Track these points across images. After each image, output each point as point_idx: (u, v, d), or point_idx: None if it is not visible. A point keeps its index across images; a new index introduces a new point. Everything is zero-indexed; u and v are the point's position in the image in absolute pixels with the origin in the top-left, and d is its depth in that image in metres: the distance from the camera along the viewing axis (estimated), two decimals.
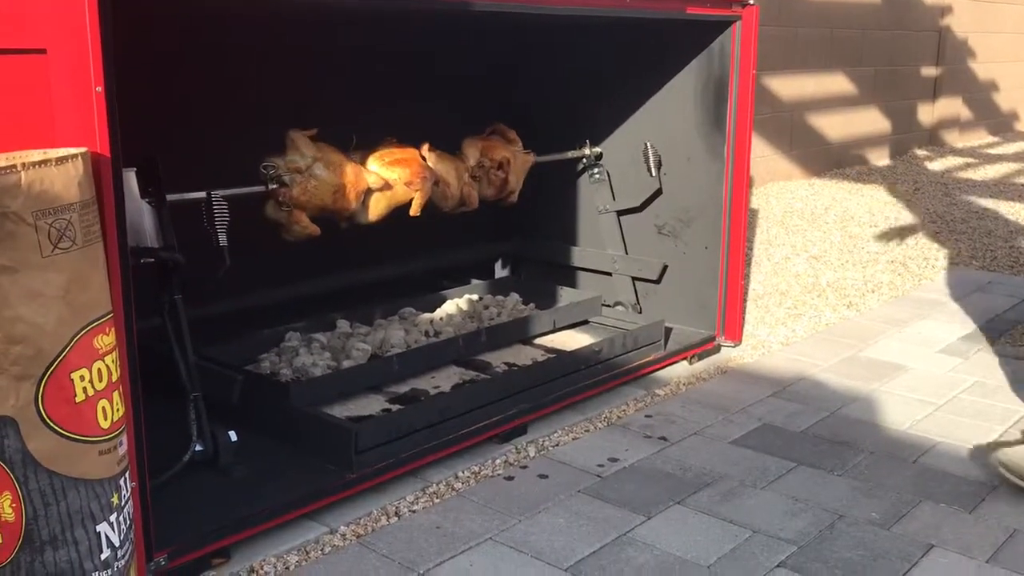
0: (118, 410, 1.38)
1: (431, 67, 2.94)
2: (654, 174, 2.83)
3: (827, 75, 5.92)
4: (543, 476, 2.07)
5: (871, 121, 6.57)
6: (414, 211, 2.39)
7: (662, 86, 2.85)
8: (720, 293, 2.83)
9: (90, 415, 1.32)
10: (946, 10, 7.10)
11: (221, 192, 1.95)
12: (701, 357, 2.83)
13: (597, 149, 2.96)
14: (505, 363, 2.49)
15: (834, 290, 3.67)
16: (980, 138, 7.96)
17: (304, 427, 2.03)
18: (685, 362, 2.78)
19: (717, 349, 2.88)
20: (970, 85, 7.69)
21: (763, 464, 2.16)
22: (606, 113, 2.97)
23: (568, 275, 3.16)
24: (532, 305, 2.86)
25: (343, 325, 2.56)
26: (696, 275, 2.86)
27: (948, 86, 7.28)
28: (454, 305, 2.78)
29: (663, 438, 2.29)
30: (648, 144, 2.82)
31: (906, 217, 4.97)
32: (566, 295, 2.94)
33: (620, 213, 2.97)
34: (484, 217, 3.02)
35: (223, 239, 1.93)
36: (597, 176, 2.97)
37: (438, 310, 2.76)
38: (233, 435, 1.96)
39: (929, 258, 4.16)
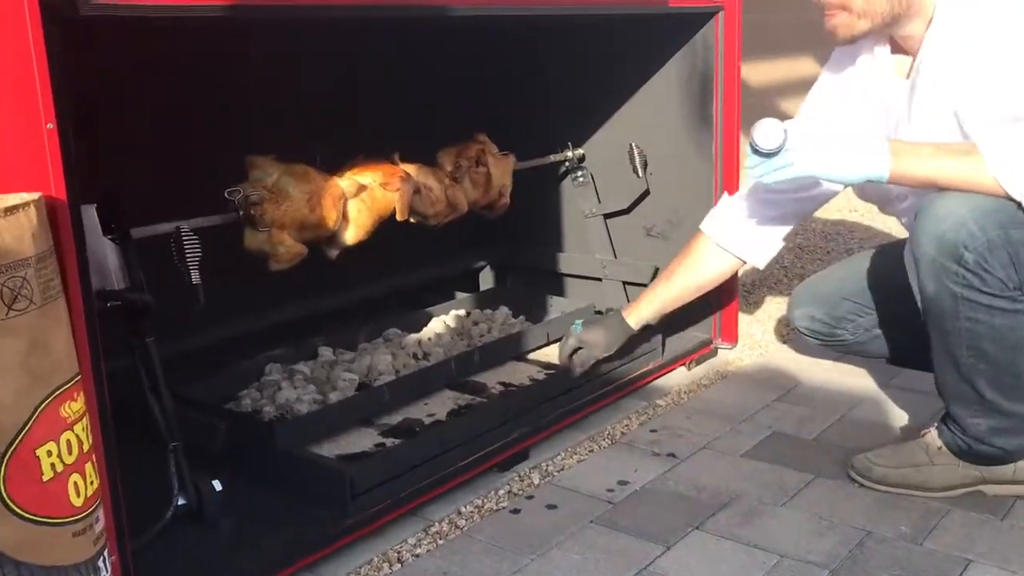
0: (92, 483, 1.24)
1: (401, 78, 2.80)
2: (640, 175, 2.72)
3: (796, 60, 5.84)
4: (551, 506, 1.95)
5: None
6: (400, 215, 2.25)
7: (644, 83, 2.73)
8: (714, 293, 2.72)
9: (61, 494, 1.19)
10: None
11: (189, 223, 1.80)
12: (699, 362, 2.73)
13: (580, 151, 2.85)
14: (501, 383, 2.36)
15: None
16: None
17: (293, 471, 1.90)
18: (683, 368, 2.68)
19: (714, 352, 2.78)
20: None
21: (780, 478, 2.05)
22: (587, 114, 2.85)
23: (556, 282, 3.04)
24: (522, 318, 2.74)
25: (326, 353, 2.42)
26: None
27: None
28: (441, 323, 2.65)
29: (672, 454, 2.18)
30: (633, 144, 2.71)
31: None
32: (556, 304, 2.82)
33: (607, 216, 2.86)
34: (466, 227, 2.89)
35: (196, 276, 1.78)
36: (581, 179, 2.85)
37: (425, 329, 2.63)
38: (218, 484, 1.82)
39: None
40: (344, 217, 2.14)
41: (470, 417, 2.10)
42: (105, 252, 1.76)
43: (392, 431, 2.10)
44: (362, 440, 2.08)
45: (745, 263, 2.36)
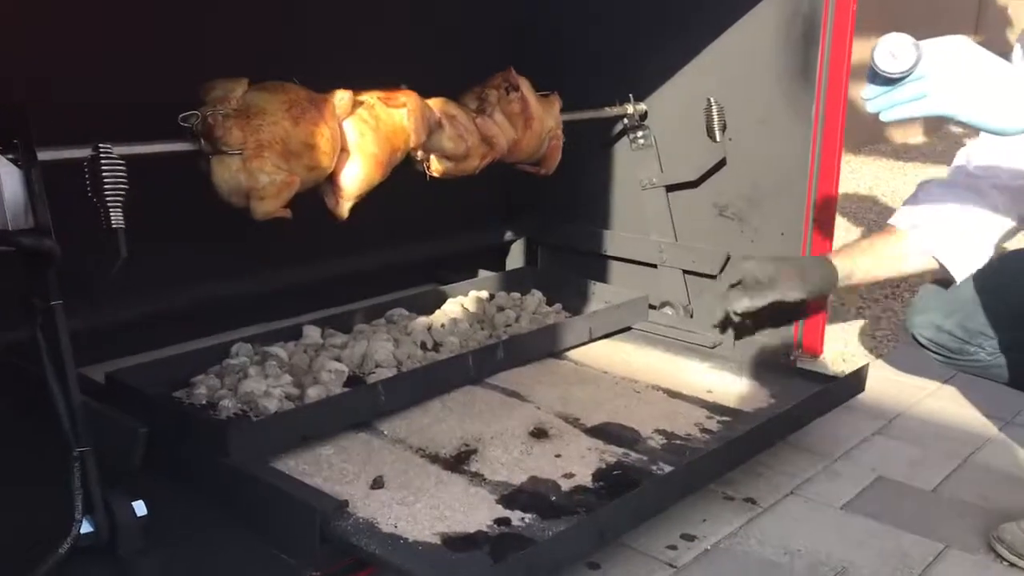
0: None
1: (428, 9, 2.28)
2: (718, 139, 2.18)
3: (862, 41, 5.28)
4: (593, 566, 1.44)
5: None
6: (414, 143, 1.75)
7: (728, 26, 2.19)
8: None
9: None
10: None
11: (117, 148, 1.28)
12: None
13: (642, 106, 2.31)
14: (658, 431, 1.67)
15: (908, 285, 3.05)
16: None
17: (249, 495, 1.39)
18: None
19: (794, 365, 2.25)
20: (1007, 57, 7.07)
21: (899, 546, 1.54)
22: (653, 61, 2.32)
23: (597, 265, 2.51)
24: (559, 306, 2.22)
25: (312, 333, 1.91)
26: None
27: None
28: (458, 305, 2.13)
29: (751, 500, 1.66)
30: (712, 100, 2.18)
31: None
32: (600, 293, 2.29)
33: (669, 188, 2.33)
34: (492, 194, 2.38)
35: (117, 217, 1.27)
36: (642, 141, 2.32)
37: (437, 312, 2.11)
38: (140, 507, 1.33)
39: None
40: (343, 148, 1.64)
41: (644, 497, 1.43)
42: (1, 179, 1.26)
43: (512, 497, 1.43)
44: (447, 489, 1.45)
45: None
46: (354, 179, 1.71)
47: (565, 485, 1.47)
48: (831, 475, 1.77)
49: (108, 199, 1.25)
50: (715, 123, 2.17)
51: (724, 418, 1.73)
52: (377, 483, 1.45)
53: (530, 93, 2.06)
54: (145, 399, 1.58)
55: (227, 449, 1.43)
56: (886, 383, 2.22)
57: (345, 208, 1.74)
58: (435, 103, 1.88)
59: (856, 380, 1.87)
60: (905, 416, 2.06)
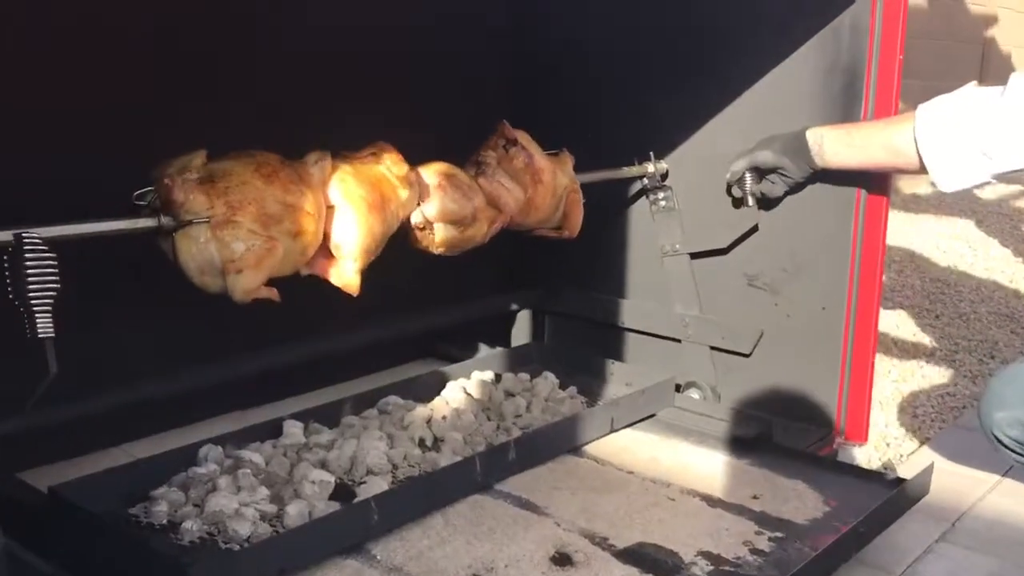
0: None
1: (408, 67, 2.07)
2: (751, 203, 1.96)
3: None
4: None
5: None
6: (402, 178, 1.58)
7: (760, 77, 1.99)
8: (842, 374, 1.96)
9: None
10: (990, 20, 6.36)
11: (48, 230, 1.04)
12: None
13: (663, 164, 2.09)
14: (701, 553, 1.40)
15: (943, 353, 2.83)
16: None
17: None
18: None
19: (835, 454, 2.00)
20: None
21: None
22: (673, 117, 2.10)
23: (611, 338, 2.27)
24: (573, 389, 1.97)
25: (293, 430, 1.65)
26: (806, 347, 1.99)
27: None
28: (460, 391, 1.88)
29: None
30: (748, 175, 1.94)
31: (985, 256, 4.15)
32: (619, 373, 2.05)
33: (694, 256, 2.10)
34: (493, 259, 2.14)
35: (45, 325, 1.02)
36: (663, 203, 2.09)
37: (437, 400, 1.86)
38: None
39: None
40: (328, 204, 1.47)
41: None
42: None
43: None
44: None
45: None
46: (351, 231, 1.50)
47: None
48: None
49: (33, 299, 1.00)
50: (749, 186, 1.94)
51: (776, 534, 1.48)
52: None
53: (532, 145, 1.86)
54: (92, 519, 1.32)
55: None
56: (941, 475, 1.95)
57: (352, 272, 1.53)
58: (430, 167, 1.68)
59: (921, 484, 1.63)
60: (970, 517, 1.81)
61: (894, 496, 1.55)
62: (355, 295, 1.54)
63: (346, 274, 1.53)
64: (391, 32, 2.06)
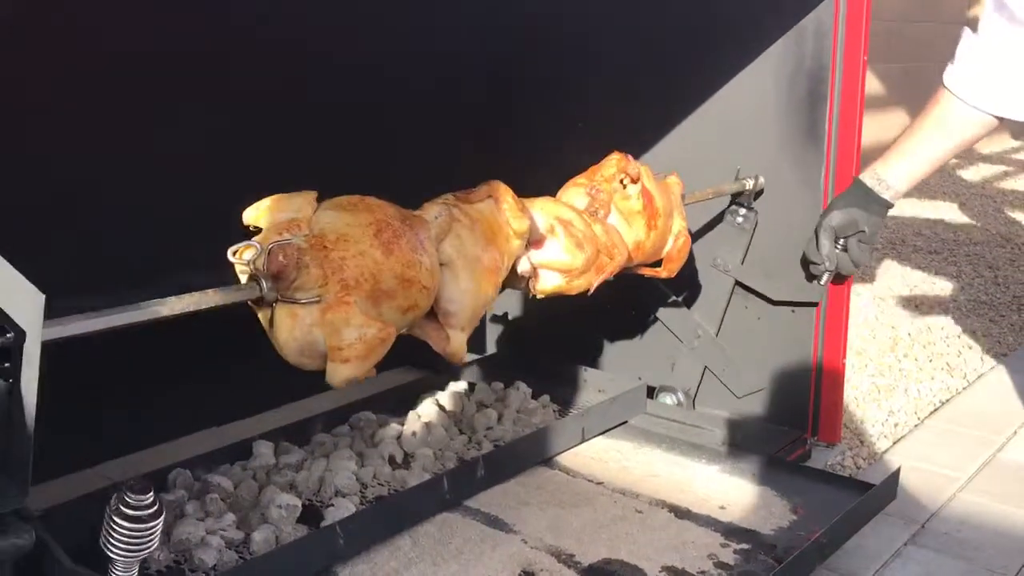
0: None
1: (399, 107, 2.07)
2: (826, 279, 1.86)
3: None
4: None
5: (899, 124, 5.78)
6: (519, 231, 1.45)
7: (723, 84, 1.99)
8: (813, 375, 1.98)
9: None
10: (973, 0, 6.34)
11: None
12: None
13: (762, 180, 1.96)
14: (666, 568, 1.41)
15: (922, 347, 2.84)
16: (1003, 143, 7.21)
17: None
18: None
19: (808, 455, 2.02)
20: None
21: None
22: (635, 120, 2.08)
23: (592, 342, 2.28)
24: (546, 398, 1.97)
25: (264, 451, 1.66)
26: (775, 348, 2.00)
27: None
28: (432, 406, 1.89)
29: None
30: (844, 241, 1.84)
31: (966, 239, 4.16)
32: (592, 379, 2.05)
33: (740, 284, 2.03)
34: None
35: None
36: (740, 222, 1.99)
37: (410, 415, 1.86)
38: None
39: (1021, 296, 3.34)
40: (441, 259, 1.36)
41: None
42: None
43: None
44: None
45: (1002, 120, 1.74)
46: (465, 300, 1.37)
47: None
48: None
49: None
50: (833, 266, 1.83)
51: (742, 545, 1.49)
52: None
53: (651, 180, 1.71)
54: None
55: None
56: (910, 473, 1.98)
57: (460, 342, 1.40)
58: (542, 204, 1.57)
59: (887, 489, 1.64)
60: (940, 518, 1.83)
61: (859, 504, 1.56)
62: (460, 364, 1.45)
63: (454, 343, 1.41)
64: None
